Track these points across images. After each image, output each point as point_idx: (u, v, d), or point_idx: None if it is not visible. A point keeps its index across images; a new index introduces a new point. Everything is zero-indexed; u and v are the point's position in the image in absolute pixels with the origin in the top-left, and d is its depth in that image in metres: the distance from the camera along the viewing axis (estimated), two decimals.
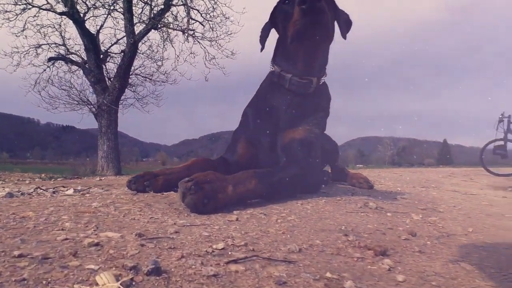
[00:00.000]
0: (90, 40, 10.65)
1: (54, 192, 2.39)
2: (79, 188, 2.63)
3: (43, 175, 7.41)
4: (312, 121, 2.33)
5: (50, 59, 11.12)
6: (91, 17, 11.03)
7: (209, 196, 1.54)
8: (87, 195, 2.16)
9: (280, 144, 2.28)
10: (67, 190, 2.48)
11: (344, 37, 2.39)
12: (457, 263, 1.14)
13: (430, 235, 1.46)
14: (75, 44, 11.32)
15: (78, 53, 11.33)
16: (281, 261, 1.01)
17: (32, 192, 2.42)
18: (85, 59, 10.95)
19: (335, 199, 2.10)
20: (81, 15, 10.51)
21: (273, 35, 2.48)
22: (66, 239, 1.09)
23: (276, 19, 2.40)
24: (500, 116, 9.11)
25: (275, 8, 2.41)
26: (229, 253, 1.05)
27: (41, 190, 2.50)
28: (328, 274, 0.93)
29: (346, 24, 2.45)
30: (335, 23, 2.37)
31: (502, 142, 9.01)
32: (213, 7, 11.19)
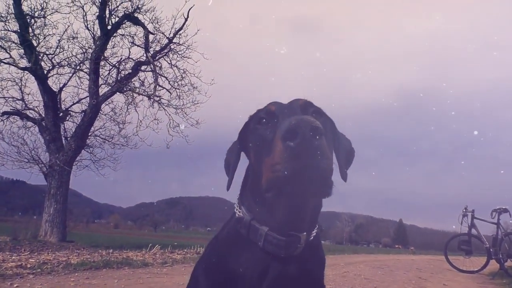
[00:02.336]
0: (51, 97, 10.33)
1: None
2: None
3: None
4: None
5: (4, 113, 10.60)
6: (55, 74, 10.81)
7: None
8: None
9: None
10: None
11: (344, 177, 1.52)
12: None
13: None
14: (34, 100, 10.94)
15: (36, 109, 10.92)
16: None
17: None
18: (43, 116, 10.54)
19: None
20: (45, 71, 10.28)
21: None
22: None
23: (247, 142, 1.58)
24: (464, 210, 9.12)
25: (246, 125, 1.63)
26: None
27: None
28: None
29: (347, 155, 1.63)
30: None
31: (466, 237, 8.98)
32: (181, 75, 11.33)
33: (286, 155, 1.15)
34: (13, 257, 5.90)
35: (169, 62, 11.33)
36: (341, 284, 5.83)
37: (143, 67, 11.26)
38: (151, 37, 10.93)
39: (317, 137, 1.13)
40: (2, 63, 9.94)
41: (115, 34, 10.82)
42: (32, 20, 9.98)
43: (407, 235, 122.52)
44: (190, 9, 10.68)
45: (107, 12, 10.31)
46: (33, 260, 5.53)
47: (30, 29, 9.88)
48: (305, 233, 1.47)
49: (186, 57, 11.16)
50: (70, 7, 10.14)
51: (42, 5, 9.89)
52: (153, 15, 10.73)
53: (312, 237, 1.54)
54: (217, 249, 1.62)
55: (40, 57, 10.02)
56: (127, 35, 11.04)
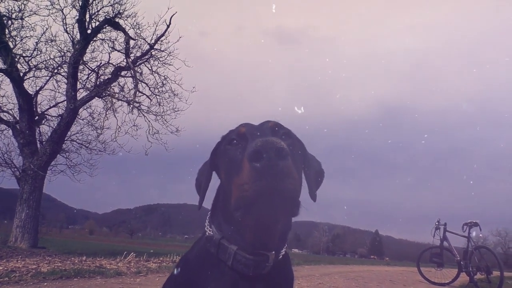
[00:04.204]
0: (26, 100, 10.10)
1: None
2: None
3: None
4: None
5: None
6: (31, 77, 10.60)
7: None
8: None
9: None
10: None
11: (313, 197, 1.56)
12: None
13: None
14: (9, 102, 10.68)
15: (10, 112, 10.65)
16: None
17: None
18: (17, 118, 10.29)
19: None
20: (21, 74, 10.06)
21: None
22: None
23: (218, 162, 1.64)
24: (436, 223, 9.31)
25: (218, 145, 1.67)
26: None
27: None
28: None
29: (316, 176, 1.66)
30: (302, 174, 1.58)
31: (438, 250, 9.17)
32: (162, 82, 11.28)
33: (252, 176, 1.18)
34: None
35: (150, 68, 11.29)
36: None
37: (123, 73, 11.16)
38: (132, 42, 10.87)
39: (282, 158, 1.16)
40: None
41: (95, 38, 10.71)
42: (9, 22, 9.77)
43: (383, 246, 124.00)
44: (172, 16, 10.69)
45: (87, 16, 10.19)
46: (1, 268, 5.36)
47: (6, 30, 9.67)
48: (273, 252, 1.49)
49: (167, 63, 11.13)
50: (49, 9, 9.99)
51: (20, 7, 9.71)
52: (134, 21, 10.68)
53: (281, 256, 1.55)
54: (187, 268, 1.63)
55: (16, 59, 9.81)
56: (107, 39, 10.95)
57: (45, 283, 4.84)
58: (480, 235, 9.05)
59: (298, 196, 1.30)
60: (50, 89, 11.22)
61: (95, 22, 10.44)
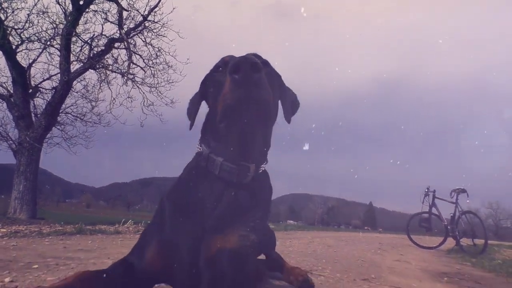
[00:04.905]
0: (20, 73, 10.04)
1: None
2: None
3: None
4: (248, 223, 1.81)
5: None
6: (24, 50, 10.49)
7: None
8: None
9: (205, 254, 1.71)
10: None
11: (288, 120, 1.95)
12: None
13: None
14: (2, 75, 10.62)
15: (4, 85, 10.60)
16: None
17: None
18: (11, 92, 10.26)
19: None
20: (13, 47, 9.96)
21: (204, 108, 2.03)
22: None
23: (207, 90, 1.94)
24: (426, 190, 9.68)
25: (207, 76, 1.97)
26: None
27: None
28: None
29: (292, 105, 2.04)
30: (279, 102, 1.95)
31: (427, 215, 9.52)
32: (156, 54, 11.20)
33: (232, 86, 1.49)
34: None
35: (144, 40, 11.16)
36: (305, 248, 6.19)
37: (116, 44, 11.05)
38: (125, 13, 10.72)
39: (257, 71, 1.47)
40: None
41: (87, 10, 10.53)
42: None
43: (376, 218, 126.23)
44: None
45: None
46: (4, 230, 5.52)
47: None
48: (254, 164, 1.81)
49: (161, 35, 11.03)
50: None
51: None
52: None
53: (261, 170, 1.90)
54: (180, 181, 1.94)
55: (8, 32, 9.69)
56: (100, 11, 10.76)
57: (50, 237, 5.06)
58: (467, 201, 9.36)
59: (270, 106, 1.61)
60: (43, 62, 11.13)
61: None
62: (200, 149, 1.92)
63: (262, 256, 3.17)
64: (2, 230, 5.20)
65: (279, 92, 1.91)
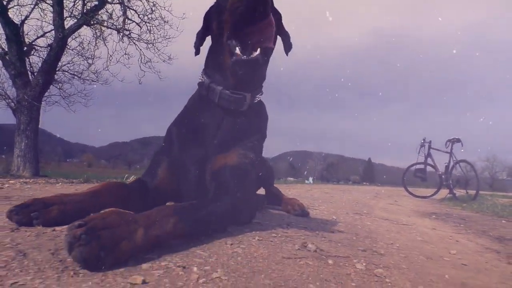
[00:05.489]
0: (13, 30, 9.88)
1: None
2: None
3: None
4: (246, 144, 2.04)
5: None
6: (15, 6, 10.27)
7: (107, 247, 1.11)
8: None
9: (210, 171, 1.96)
10: None
11: (287, 53, 2.30)
12: None
13: None
14: None
15: None
16: None
17: None
18: (6, 50, 10.16)
19: (269, 235, 1.85)
20: (4, 2, 9.76)
21: (208, 42, 2.23)
22: None
23: (209, 23, 2.14)
24: (422, 141, 9.95)
25: (209, 10, 2.17)
26: None
27: None
28: None
29: (287, 44, 2.33)
30: (279, 38, 2.21)
31: (422, 166, 9.78)
32: (151, 9, 10.96)
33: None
34: None
35: None
36: (304, 193, 6.48)
37: None
38: None
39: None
40: None
41: None
42: None
43: (375, 173, 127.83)
44: None
45: None
46: (13, 181, 5.71)
47: None
48: (250, 94, 2.07)
49: None
50: None
51: None
52: None
53: (256, 100, 2.16)
54: (185, 109, 2.21)
55: None
56: None
57: (59, 183, 5.31)
58: (462, 150, 9.60)
59: (272, 30, 1.83)
60: (37, 19, 10.91)
61: None
62: (202, 79, 2.14)
63: (262, 191, 3.40)
64: (10, 181, 5.37)
65: (278, 29, 2.07)
